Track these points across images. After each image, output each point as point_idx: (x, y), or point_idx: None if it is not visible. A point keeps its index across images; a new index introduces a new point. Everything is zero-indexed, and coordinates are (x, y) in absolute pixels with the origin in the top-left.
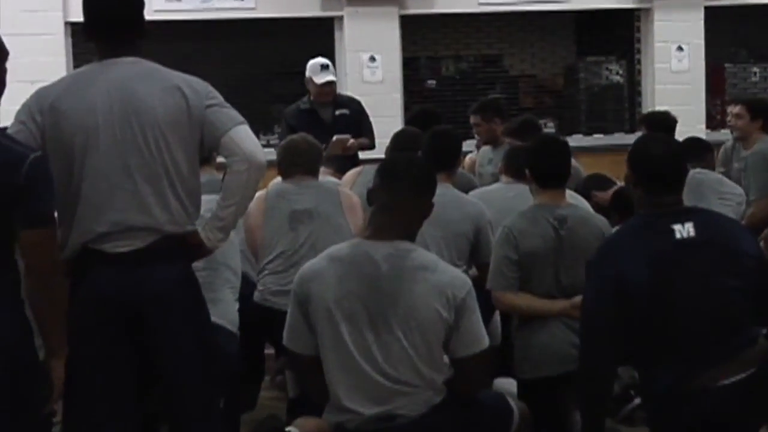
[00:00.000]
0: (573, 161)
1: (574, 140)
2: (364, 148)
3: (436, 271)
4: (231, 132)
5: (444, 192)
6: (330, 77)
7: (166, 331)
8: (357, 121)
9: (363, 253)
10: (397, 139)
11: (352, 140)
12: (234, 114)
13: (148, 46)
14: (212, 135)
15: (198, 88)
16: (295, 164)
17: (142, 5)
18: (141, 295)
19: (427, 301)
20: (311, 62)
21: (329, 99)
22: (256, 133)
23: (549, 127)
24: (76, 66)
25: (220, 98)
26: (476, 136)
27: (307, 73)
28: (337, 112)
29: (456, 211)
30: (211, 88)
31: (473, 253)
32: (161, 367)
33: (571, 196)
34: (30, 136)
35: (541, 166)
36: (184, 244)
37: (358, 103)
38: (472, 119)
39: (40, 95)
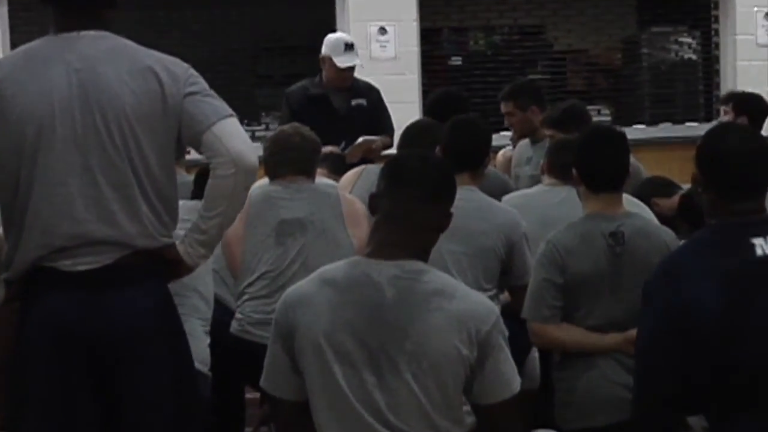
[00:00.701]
0: (632, 159)
1: (635, 131)
2: (385, 147)
3: (455, 298)
4: (215, 127)
5: (468, 197)
6: (355, 61)
7: (134, 375)
8: (375, 114)
9: (363, 275)
10: (409, 133)
11: (378, 142)
12: (219, 104)
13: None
14: (192, 130)
15: (176, 71)
16: (285, 162)
17: None
18: (106, 327)
19: (442, 335)
20: (332, 38)
21: (347, 85)
22: (241, 120)
23: (603, 115)
24: (13, 42)
25: (203, 85)
26: (510, 128)
27: (325, 51)
28: (354, 102)
29: (483, 220)
30: (192, 72)
31: (505, 273)
32: (124, 420)
33: (631, 203)
34: None
35: (591, 164)
36: (159, 261)
37: (377, 92)
38: (503, 107)
39: None
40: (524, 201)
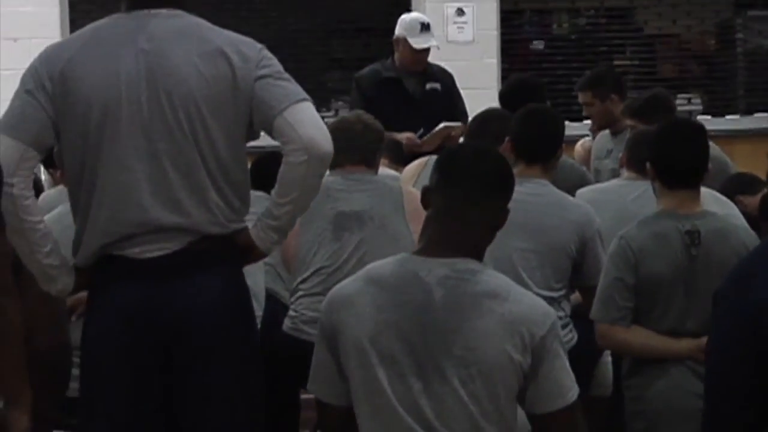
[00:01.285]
0: (720, 153)
1: (728, 122)
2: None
3: (508, 300)
4: (286, 112)
5: (539, 191)
6: (432, 42)
7: (204, 363)
8: (449, 100)
9: (411, 274)
10: (475, 123)
11: (459, 129)
12: (293, 88)
13: None
14: (263, 115)
15: (248, 53)
16: (345, 150)
17: None
18: (174, 315)
19: (493, 339)
20: (407, 18)
21: (421, 68)
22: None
23: (694, 104)
24: (73, 20)
25: (277, 67)
26: (588, 118)
27: (400, 31)
28: (428, 86)
29: (554, 216)
30: (266, 53)
31: (576, 272)
32: (191, 409)
33: (716, 200)
34: (40, 110)
35: (666, 158)
36: (230, 246)
37: (451, 77)
38: (581, 97)
39: (49, 56)
40: (599, 196)
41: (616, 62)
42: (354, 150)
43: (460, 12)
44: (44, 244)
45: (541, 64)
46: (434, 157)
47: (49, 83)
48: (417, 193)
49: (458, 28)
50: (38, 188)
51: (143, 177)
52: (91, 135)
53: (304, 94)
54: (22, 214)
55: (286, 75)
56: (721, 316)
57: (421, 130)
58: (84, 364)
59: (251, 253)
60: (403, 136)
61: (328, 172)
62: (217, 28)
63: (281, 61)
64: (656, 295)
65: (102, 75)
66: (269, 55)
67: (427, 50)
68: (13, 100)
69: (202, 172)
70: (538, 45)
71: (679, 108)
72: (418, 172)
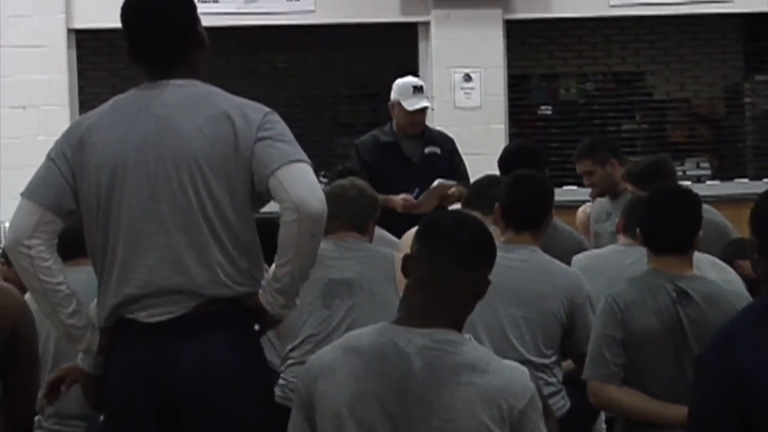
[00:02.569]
0: (720, 218)
1: (737, 186)
2: (460, 198)
3: (487, 372)
4: (279, 172)
5: (528, 257)
6: (424, 103)
7: (203, 428)
8: (449, 164)
9: (390, 344)
10: (470, 191)
11: (454, 189)
12: (290, 150)
13: None
14: (260, 174)
15: (252, 115)
16: (337, 216)
17: (189, 12)
18: (175, 380)
19: (472, 411)
20: (400, 82)
21: (418, 131)
22: (316, 173)
23: (702, 169)
24: (81, 88)
25: (279, 129)
26: (590, 187)
27: (394, 96)
28: (427, 150)
29: (543, 282)
30: (271, 117)
31: (566, 339)
32: None
33: (712, 265)
34: (59, 175)
35: (653, 225)
36: (238, 311)
37: (452, 141)
38: (580, 167)
39: (73, 126)
40: (593, 262)
41: (625, 127)
42: (347, 216)
43: (468, 78)
44: (66, 305)
45: (549, 130)
46: None
47: (70, 150)
48: None
49: (465, 94)
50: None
51: (148, 238)
52: (102, 198)
53: (301, 156)
54: (41, 275)
55: (288, 138)
56: (703, 382)
57: (417, 191)
58: (103, 426)
59: (264, 318)
60: (399, 198)
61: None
62: (228, 95)
63: (289, 125)
64: (645, 351)
65: (114, 140)
66: (275, 119)
67: (421, 112)
68: (39, 168)
69: (205, 231)
70: (546, 110)
71: (688, 172)
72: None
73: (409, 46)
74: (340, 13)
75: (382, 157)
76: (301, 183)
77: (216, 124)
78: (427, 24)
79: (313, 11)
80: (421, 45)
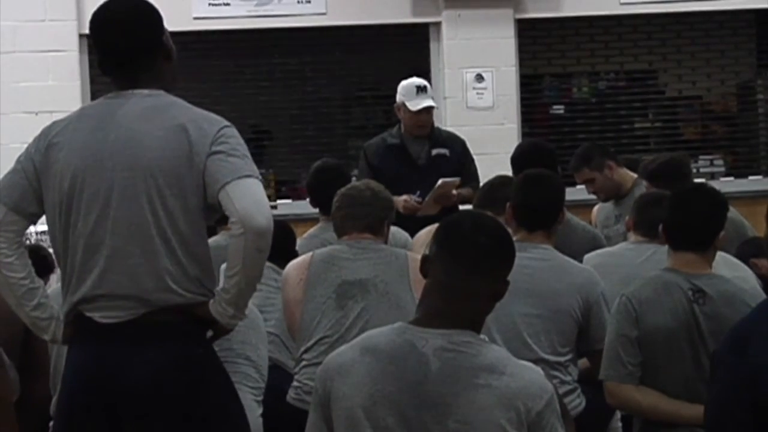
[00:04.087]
0: (738, 216)
1: (751, 183)
2: (467, 201)
3: (504, 374)
4: (228, 186)
5: (542, 256)
6: (428, 102)
7: None
8: (458, 166)
9: (407, 345)
10: (482, 191)
11: (462, 190)
12: (241, 165)
13: (187, 62)
14: (211, 188)
15: (207, 129)
16: (352, 218)
17: (155, 24)
18: (119, 383)
19: (489, 414)
20: (404, 83)
21: (425, 132)
22: None
23: (716, 166)
24: (94, 94)
25: (233, 144)
26: (594, 194)
27: (399, 98)
28: (434, 152)
29: (557, 281)
30: (226, 131)
31: (582, 336)
32: None
33: (726, 263)
34: (24, 179)
35: (677, 221)
36: (188, 319)
37: (462, 143)
38: (579, 178)
39: (44, 131)
40: (606, 260)
41: (638, 125)
42: (361, 218)
43: (480, 78)
44: (30, 299)
45: (562, 129)
46: None
47: (38, 155)
48: None
49: (478, 94)
50: (46, 263)
51: (101, 243)
52: (63, 202)
53: (252, 171)
54: (5, 270)
55: (241, 152)
56: (718, 379)
57: (419, 193)
58: (54, 417)
59: (215, 327)
60: (401, 199)
61: (336, 240)
62: (188, 107)
63: (303, 128)
64: (661, 349)
65: (77, 147)
66: (230, 133)
67: (426, 112)
68: (9, 170)
69: (156, 240)
70: (558, 109)
71: (702, 170)
72: (428, 239)
73: (421, 46)
74: (351, 15)
75: (388, 159)
76: (248, 198)
77: (172, 135)
78: (438, 24)
79: (324, 13)
80: (433, 45)
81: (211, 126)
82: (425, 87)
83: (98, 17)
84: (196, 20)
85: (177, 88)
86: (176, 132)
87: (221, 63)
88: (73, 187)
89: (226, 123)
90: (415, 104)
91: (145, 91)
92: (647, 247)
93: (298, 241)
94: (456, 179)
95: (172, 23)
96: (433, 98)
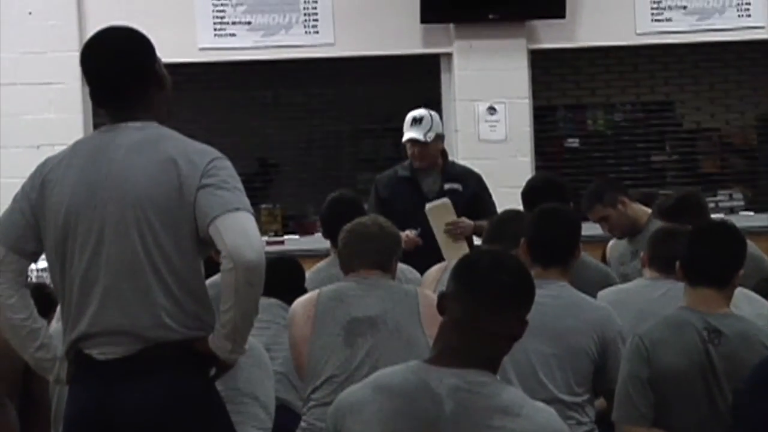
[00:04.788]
0: (756, 251)
1: None
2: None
3: (520, 416)
4: (218, 220)
5: (557, 293)
6: (414, 134)
7: None
8: (472, 202)
9: (421, 384)
10: (492, 225)
11: (465, 221)
12: (231, 198)
13: (193, 94)
14: (201, 222)
15: (197, 161)
16: (359, 254)
17: (146, 53)
18: (115, 420)
19: None
20: (407, 116)
21: (426, 164)
22: None
23: (735, 200)
24: (96, 125)
25: (223, 176)
26: (609, 233)
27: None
28: (447, 186)
29: (573, 318)
30: (217, 163)
31: (598, 376)
32: None
33: (746, 298)
34: (21, 217)
35: (695, 258)
36: (187, 354)
37: (477, 178)
38: (593, 215)
39: (38, 167)
40: (620, 296)
41: (655, 158)
42: (369, 254)
43: (492, 110)
44: (33, 340)
45: (577, 162)
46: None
47: (33, 192)
48: (435, 298)
49: (490, 126)
50: (49, 300)
51: (96, 279)
52: (58, 239)
53: (242, 204)
54: (7, 312)
55: (232, 185)
56: (741, 421)
57: (419, 229)
58: None
59: (216, 363)
60: (403, 234)
61: (343, 277)
62: (181, 139)
63: (309, 162)
64: (674, 392)
65: (70, 183)
66: (221, 165)
67: (417, 144)
68: (6, 209)
69: (149, 276)
70: (573, 142)
71: (721, 204)
72: (438, 276)
73: (432, 78)
74: (360, 46)
75: (398, 192)
76: (237, 232)
77: (163, 169)
78: (449, 55)
79: (333, 44)
80: (444, 77)
81: (201, 158)
82: (421, 119)
83: (87, 47)
84: (202, 51)
85: (179, 120)
86: (166, 165)
87: (227, 95)
88: (67, 225)
89: (218, 155)
90: (406, 136)
91: (138, 124)
92: (663, 283)
93: (307, 275)
94: (445, 200)
95: (177, 54)
96: (427, 131)
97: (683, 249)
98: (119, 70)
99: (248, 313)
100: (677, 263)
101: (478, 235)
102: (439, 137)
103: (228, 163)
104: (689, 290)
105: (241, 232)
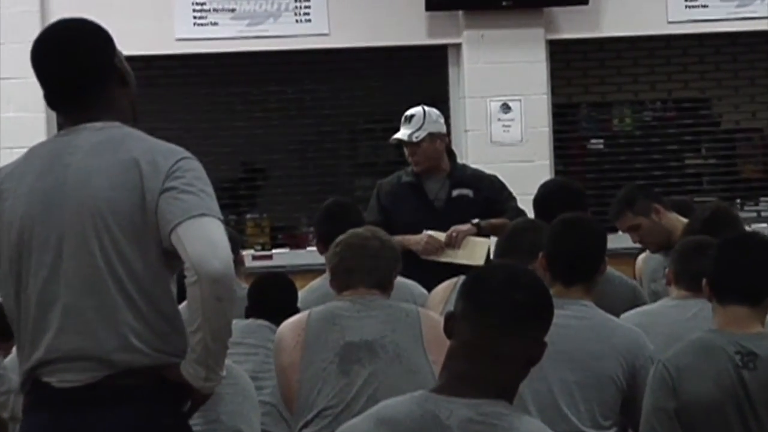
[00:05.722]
0: None
1: None
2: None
3: None
4: (180, 228)
5: (581, 313)
6: (400, 135)
7: None
8: (487, 208)
9: (429, 416)
10: (502, 239)
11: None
12: (195, 202)
13: (169, 90)
14: (163, 230)
15: (161, 162)
16: (357, 271)
17: (102, 47)
18: None
19: None
20: None
21: (423, 168)
22: None
23: None
24: (60, 125)
25: (188, 178)
26: (640, 244)
27: None
28: (455, 193)
29: (599, 342)
30: (183, 164)
31: (627, 407)
32: None
33: None
34: None
35: (723, 273)
36: (157, 382)
37: (491, 181)
38: (621, 225)
39: None
40: (644, 319)
41: (689, 162)
42: (368, 271)
43: (506, 108)
44: None
45: (601, 166)
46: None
47: None
48: (440, 319)
49: (504, 126)
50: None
51: (54, 300)
52: (12, 256)
53: (208, 209)
54: None
55: (198, 188)
56: None
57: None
58: None
59: (191, 392)
60: (421, 238)
61: (335, 297)
62: (146, 139)
63: (302, 167)
64: (704, 422)
65: (23, 194)
66: (188, 165)
67: (415, 146)
68: None
69: (113, 291)
70: (597, 144)
71: (763, 213)
72: (446, 295)
73: (438, 72)
74: (358, 36)
75: (401, 199)
76: (201, 239)
77: (124, 172)
78: (458, 46)
79: (327, 34)
80: (452, 71)
81: (165, 159)
82: (411, 117)
83: (36, 45)
84: (180, 42)
85: (153, 120)
86: (128, 168)
87: (208, 91)
88: (21, 240)
89: (185, 154)
90: (393, 136)
91: (98, 124)
92: (693, 302)
93: (300, 294)
94: (466, 226)
95: (151, 46)
96: (420, 130)
97: (710, 264)
98: (73, 69)
99: (219, 332)
100: (704, 280)
101: (495, 234)
102: (435, 137)
103: (196, 164)
104: (718, 309)
105: (205, 240)
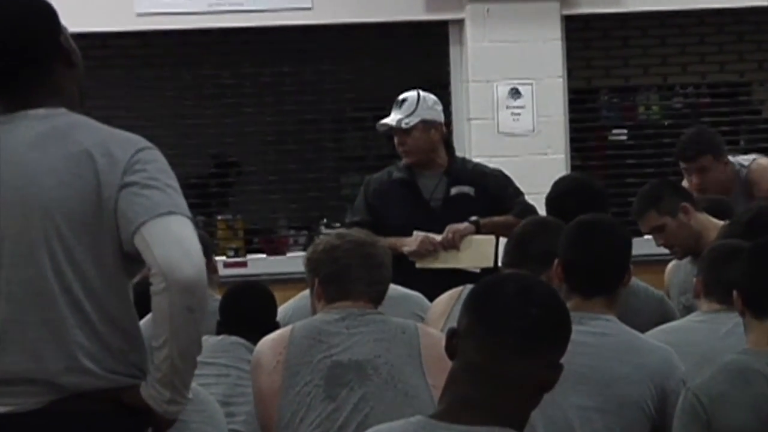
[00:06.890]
0: None
1: None
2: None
3: None
4: (145, 228)
5: (602, 329)
6: (389, 120)
7: None
8: (492, 207)
9: None
10: (510, 243)
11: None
12: (161, 199)
13: (129, 73)
14: (125, 231)
15: (118, 154)
16: (346, 281)
17: (45, 23)
18: None
19: None
20: None
21: (413, 159)
22: (318, 219)
23: None
24: None
25: (151, 171)
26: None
27: None
28: (454, 191)
29: (624, 362)
30: (143, 155)
31: None
32: None
33: None
34: None
35: (757, 283)
36: (118, 409)
37: (496, 177)
38: (645, 225)
39: None
40: (672, 337)
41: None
42: (357, 282)
43: (516, 93)
44: None
45: (624, 160)
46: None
47: None
48: (441, 337)
49: (513, 114)
50: None
51: None
52: None
53: (176, 207)
54: None
55: (163, 182)
56: None
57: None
58: None
59: (152, 417)
60: (415, 239)
61: (320, 310)
62: (99, 127)
63: (279, 161)
64: None
65: None
66: (149, 157)
67: (404, 133)
68: None
69: (61, 304)
70: (620, 134)
71: None
72: (448, 308)
73: (438, 52)
74: (345, 11)
75: (391, 198)
76: (169, 241)
77: (75, 166)
78: (460, 23)
79: (310, 8)
80: (453, 50)
81: (123, 150)
82: (403, 101)
83: None
84: (140, 17)
85: (109, 106)
86: (80, 161)
87: (173, 74)
88: None
89: (146, 144)
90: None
91: (42, 111)
92: (726, 317)
93: (283, 308)
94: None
95: (108, 21)
96: (412, 115)
97: (741, 272)
98: (10, 48)
99: (187, 348)
100: (734, 292)
101: (504, 235)
102: (429, 125)
103: (158, 155)
104: (753, 325)
105: (174, 242)
